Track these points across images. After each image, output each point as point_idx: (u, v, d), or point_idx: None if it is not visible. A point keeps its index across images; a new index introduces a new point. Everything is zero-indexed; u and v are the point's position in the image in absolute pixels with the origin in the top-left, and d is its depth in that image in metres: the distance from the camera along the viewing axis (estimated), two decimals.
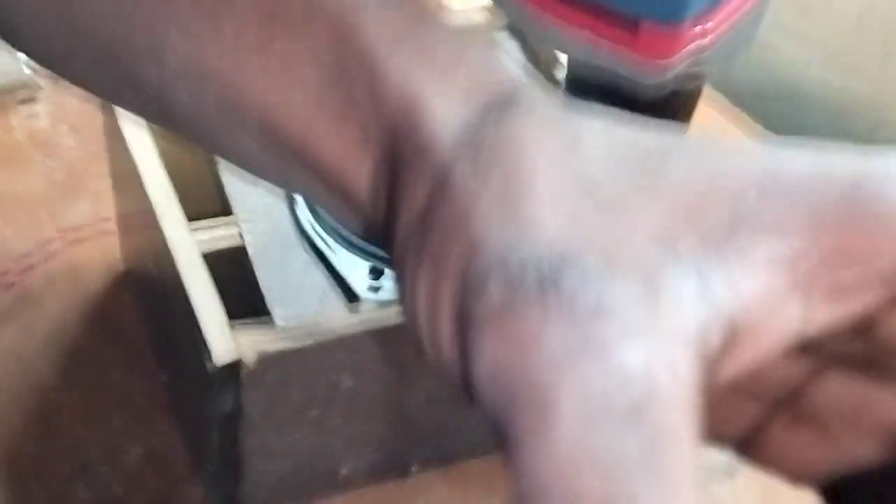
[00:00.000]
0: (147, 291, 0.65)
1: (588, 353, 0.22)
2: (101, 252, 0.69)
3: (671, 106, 0.48)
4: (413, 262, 0.26)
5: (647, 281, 0.23)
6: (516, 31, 0.63)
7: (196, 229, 0.56)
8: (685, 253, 0.23)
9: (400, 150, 0.28)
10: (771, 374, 0.28)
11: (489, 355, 0.23)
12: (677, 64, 0.44)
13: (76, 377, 0.65)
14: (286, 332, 0.52)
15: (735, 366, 0.24)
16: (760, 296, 0.24)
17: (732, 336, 0.24)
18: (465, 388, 0.25)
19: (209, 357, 0.51)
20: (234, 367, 0.51)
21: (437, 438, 0.61)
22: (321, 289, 0.55)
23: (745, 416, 0.29)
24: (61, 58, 0.37)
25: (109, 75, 0.35)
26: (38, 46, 0.37)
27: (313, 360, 0.53)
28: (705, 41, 0.44)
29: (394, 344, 0.54)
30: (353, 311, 0.54)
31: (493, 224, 0.24)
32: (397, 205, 0.28)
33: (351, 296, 0.55)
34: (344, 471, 0.60)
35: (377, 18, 0.29)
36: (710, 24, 0.44)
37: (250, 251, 0.56)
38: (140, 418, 0.64)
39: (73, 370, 0.66)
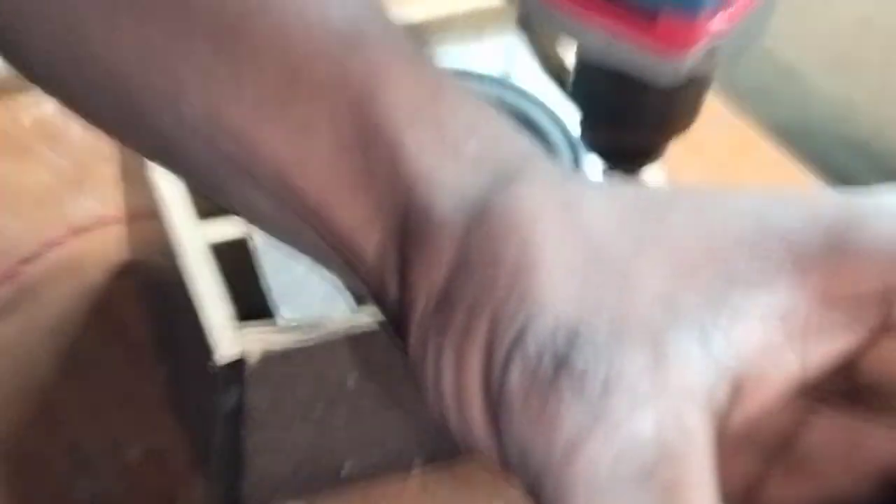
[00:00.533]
0: (152, 286, 0.65)
1: (597, 429, 0.24)
2: (105, 245, 0.69)
3: (680, 98, 0.47)
4: (436, 340, 0.28)
5: (654, 345, 0.25)
6: (527, 26, 0.63)
7: (203, 225, 0.56)
8: (687, 315, 0.25)
9: (413, 227, 0.29)
10: (764, 422, 0.29)
11: (515, 439, 0.25)
12: (694, 55, 0.44)
13: (78, 372, 0.65)
14: (291, 330, 0.52)
15: (743, 416, 0.26)
16: (759, 350, 0.26)
17: (738, 389, 0.26)
18: (502, 464, 0.27)
19: (214, 354, 0.51)
20: (239, 365, 0.52)
21: (441, 436, 0.61)
22: (327, 287, 0.55)
23: (742, 471, 0.30)
24: (72, 92, 0.36)
25: (121, 116, 0.35)
26: (49, 78, 0.37)
27: (318, 357, 0.53)
28: (722, 32, 0.44)
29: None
30: (359, 309, 0.54)
31: (511, 304, 0.26)
32: (414, 284, 0.29)
33: (357, 294, 0.55)
34: (347, 468, 0.60)
35: (398, 89, 0.30)
36: (726, 15, 0.44)
37: (256, 249, 0.56)
38: (141, 415, 0.64)
39: (74, 365, 0.66)
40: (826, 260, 0.26)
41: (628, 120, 0.48)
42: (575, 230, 0.27)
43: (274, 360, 0.52)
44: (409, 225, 0.29)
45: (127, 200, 0.67)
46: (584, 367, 0.25)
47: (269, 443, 0.57)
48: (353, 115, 0.30)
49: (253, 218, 0.35)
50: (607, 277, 0.26)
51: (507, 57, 0.62)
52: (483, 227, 0.28)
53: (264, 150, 0.31)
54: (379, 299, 0.31)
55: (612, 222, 0.27)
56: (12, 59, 0.37)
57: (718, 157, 0.79)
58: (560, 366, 0.25)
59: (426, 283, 0.28)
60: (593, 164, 0.54)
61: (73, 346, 0.66)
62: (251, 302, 0.54)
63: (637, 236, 0.27)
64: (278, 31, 0.31)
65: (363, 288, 0.32)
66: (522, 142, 0.31)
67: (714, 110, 0.80)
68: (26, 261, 0.67)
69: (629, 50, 0.44)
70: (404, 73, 0.31)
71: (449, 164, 0.29)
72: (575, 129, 0.53)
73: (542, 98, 0.59)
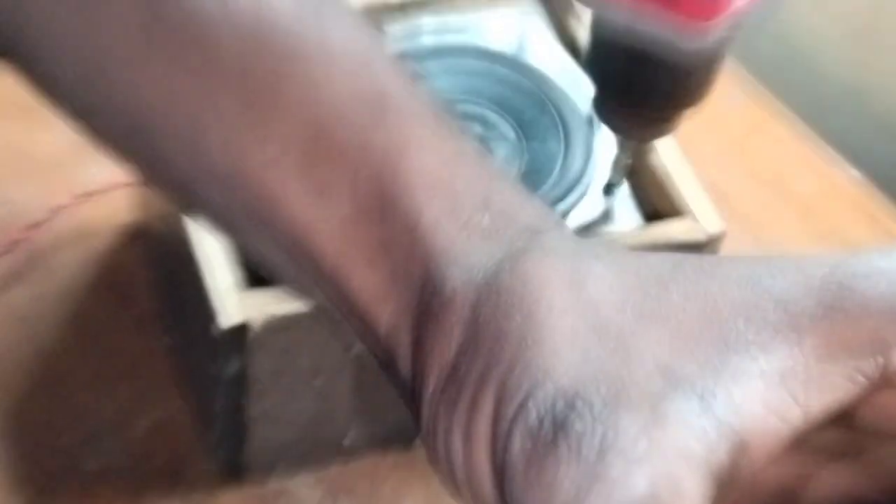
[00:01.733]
0: (158, 254, 0.66)
1: (593, 491, 0.26)
2: (113, 211, 0.69)
3: (694, 73, 0.48)
4: (445, 417, 0.29)
5: (652, 409, 0.27)
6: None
7: None
8: (686, 381, 0.27)
9: (426, 305, 0.30)
10: (767, 479, 0.31)
11: (519, 502, 0.27)
12: (718, 31, 0.44)
13: (86, 342, 0.66)
14: (296, 297, 0.52)
15: (750, 466, 0.28)
16: (761, 406, 0.27)
17: (743, 444, 0.27)
18: None
19: (217, 319, 0.52)
20: (242, 330, 0.52)
21: None
22: None
23: None
24: (93, 120, 0.37)
25: (141, 151, 0.36)
26: (71, 104, 0.37)
27: (322, 325, 0.52)
28: (745, 8, 0.45)
29: None
30: None
31: (515, 375, 0.28)
32: (425, 362, 0.30)
33: None
34: (348, 439, 0.61)
35: (418, 163, 0.32)
36: None
37: None
38: (149, 387, 0.64)
39: (82, 334, 0.66)
40: (821, 320, 0.28)
41: (641, 93, 0.49)
42: (579, 304, 0.29)
43: (277, 327, 0.53)
44: (421, 303, 0.31)
45: None
46: (582, 429, 0.26)
47: (272, 411, 0.57)
48: (373, 184, 0.32)
49: (268, 266, 0.36)
50: (609, 349, 0.28)
51: (522, 27, 0.63)
52: (490, 304, 0.29)
53: (283, 205, 0.32)
54: (389, 370, 0.32)
55: (616, 296, 0.29)
56: (35, 82, 0.38)
57: (734, 134, 0.79)
58: (558, 429, 0.27)
59: (437, 361, 0.30)
60: (606, 137, 0.55)
61: (81, 314, 0.67)
62: (258, 270, 0.54)
63: (639, 309, 0.28)
64: (307, 92, 0.32)
65: (374, 352, 0.33)
66: (534, 211, 0.32)
67: (730, 87, 0.80)
68: (34, 226, 0.67)
69: (652, 24, 0.44)
70: (425, 145, 0.32)
71: (463, 240, 0.31)
72: (588, 103, 0.53)
73: (555, 71, 0.59)
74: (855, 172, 0.78)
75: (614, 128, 0.52)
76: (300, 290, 0.36)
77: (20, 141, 0.72)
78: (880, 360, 0.28)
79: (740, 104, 0.80)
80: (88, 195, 0.68)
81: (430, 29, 0.61)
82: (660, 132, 0.52)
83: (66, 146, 0.71)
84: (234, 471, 0.60)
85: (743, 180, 0.77)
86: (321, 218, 0.32)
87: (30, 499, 0.60)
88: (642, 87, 0.49)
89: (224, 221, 0.36)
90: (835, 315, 0.28)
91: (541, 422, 0.27)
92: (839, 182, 0.78)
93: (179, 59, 0.33)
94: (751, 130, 0.80)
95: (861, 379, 0.28)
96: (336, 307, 0.33)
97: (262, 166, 0.32)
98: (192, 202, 0.36)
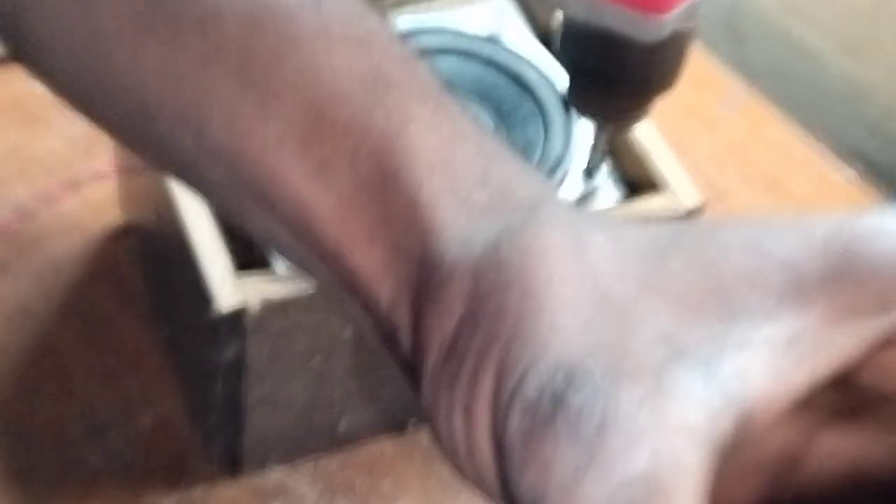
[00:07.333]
0: (150, 244, 0.67)
1: (591, 470, 0.26)
2: (107, 205, 0.72)
3: (663, 56, 0.51)
4: (446, 395, 0.30)
5: (653, 382, 0.26)
6: None
7: None
8: (690, 350, 0.27)
9: (425, 281, 0.32)
10: (768, 444, 0.31)
11: (516, 483, 0.27)
12: (676, 13, 0.47)
13: (88, 336, 0.68)
14: (291, 280, 0.55)
15: (756, 432, 0.28)
16: (767, 376, 0.27)
17: (747, 413, 0.27)
18: None
19: (213, 304, 0.54)
20: (239, 315, 0.54)
21: None
22: None
23: (752, 494, 0.32)
24: (93, 104, 0.39)
25: (143, 132, 0.38)
26: (71, 88, 0.39)
27: (317, 307, 0.56)
28: None
29: None
30: None
31: (514, 350, 0.28)
32: (425, 339, 0.31)
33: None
34: (343, 426, 0.63)
35: (417, 140, 0.33)
36: None
37: None
38: (152, 381, 0.67)
39: (84, 328, 0.68)
40: (827, 285, 0.27)
41: (614, 80, 0.52)
42: (578, 274, 0.29)
43: (274, 310, 0.54)
44: (420, 278, 0.32)
45: (121, 156, 0.68)
46: (581, 404, 0.26)
47: (268, 397, 0.59)
48: (372, 162, 0.33)
49: (272, 245, 0.37)
50: (610, 319, 0.28)
51: (497, 20, 0.65)
52: (490, 277, 0.30)
53: (285, 183, 0.34)
54: (390, 346, 0.33)
55: (616, 266, 0.29)
56: (34, 67, 0.40)
57: (732, 136, 0.81)
58: (557, 405, 0.26)
59: (437, 336, 0.31)
60: (583, 125, 0.58)
61: (84, 307, 0.69)
62: (252, 255, 0.56)
63: (640, 279, 0.28)
64: (307, 72, 0.34)
65: (375, 332, 0.34)
66: (533, 185, 0.33)
67: (728, 89, 0.83)
68: (29, 217, 0.70)
69: (612, 10, 0.47)
70: (424, 124, 0.33)
71: (462, 215, 0.32)
72: (565, 90, 0.55)
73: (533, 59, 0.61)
74: (851, 172, 0.80)
75: (589, 116, 0.55)
76: (304, 269, 0.37)
77: (24, 143, 0.75)
78: (886, 322, 0.27)
79: (738, 107, 0.82)
80: (85, 188, 0.71)
81: (405, 27, 0.63)
82: (634, 118, 0.54)
83: (69, 149, 0.74)
84: (231, 461, 0.62)
85: (741, 181, 0.79)
86: (322, 195, 0.33)
87: (33, 492, 0.63)
88: (613, 74, 0.51)
89: (229, 202, 0.37)
90: (842, 278, 0.27)
91: (540, 395, 0.27)
92: (835, 182, 0.80)
93: (179, 43, 0.35)
94: (748, 132, 0.82)
95: (868, 340, 0.28)
96: (338, 285, 0.34)
97: (263, 146, 0.34)
98: (198, 183, 0.38)
